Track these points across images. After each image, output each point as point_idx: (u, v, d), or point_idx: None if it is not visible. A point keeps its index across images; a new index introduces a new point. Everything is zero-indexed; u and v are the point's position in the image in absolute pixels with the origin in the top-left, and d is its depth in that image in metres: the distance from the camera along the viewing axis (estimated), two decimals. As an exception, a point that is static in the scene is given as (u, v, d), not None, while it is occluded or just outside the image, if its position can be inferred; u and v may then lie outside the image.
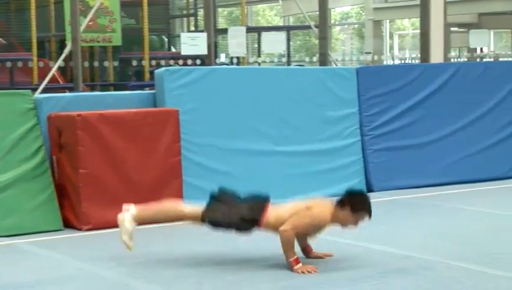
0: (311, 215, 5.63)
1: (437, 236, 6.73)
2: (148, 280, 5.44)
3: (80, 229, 7.27)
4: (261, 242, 6.46)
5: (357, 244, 6.40)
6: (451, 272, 5.50)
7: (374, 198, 8.74)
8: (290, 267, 5.54)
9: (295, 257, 5.55)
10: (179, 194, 7.71)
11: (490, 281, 5.24)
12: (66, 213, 7.42)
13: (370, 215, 5.74)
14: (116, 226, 7.22)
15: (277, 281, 5.30)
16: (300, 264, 5.53)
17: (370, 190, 9.18)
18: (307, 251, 5.86)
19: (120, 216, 5.89)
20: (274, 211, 5.71)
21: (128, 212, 5.87)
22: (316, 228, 5.70)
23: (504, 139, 10.18)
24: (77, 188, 7.32)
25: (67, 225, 7.37)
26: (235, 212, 5.66)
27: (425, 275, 5.40)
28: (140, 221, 5.89)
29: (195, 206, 5.80)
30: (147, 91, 9.72)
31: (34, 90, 9.88)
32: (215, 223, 5.71)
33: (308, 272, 5.47)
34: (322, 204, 5.73)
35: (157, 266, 5.81)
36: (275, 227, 5.64)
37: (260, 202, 5.75)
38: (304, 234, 5.74)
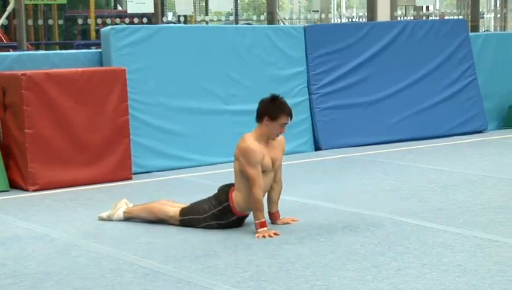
0: (241, 155, 5.43)
1: (384, 193, 6.82)
2: (98, 240, 5.42)
3: (27, 190, 7.19)
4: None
5: (305, 201, 6.46)
6: (398, 227, 5.58)
7: (322, 156, 8.86)
8: (255, 228, 5.45)
9: (262, 220, 5.42)
10: (127, 154, 7.67)
11: (434, 235, 5.35)
12: (12, 174, 7.33)
13: (290, 116, 5.53)
14: (64, 186, 7.24)
15: (226, 240, 5.33)
16: (264, 229, 5.40)
17: (318, 148, 9.27)
18: (274, 217, 5.72)
19: (118, 204, 5.96)
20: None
21: (122, 208, 5.93)
22: (254, 159, 5.40)
23: (450, 97, 10.33)
24: (23, 148, 7.22)
25: (14, 186, 7.29)
26: (207, 205, 5.60)
27: (373, 232, 5.47)
28: (129, 216, 5.90)
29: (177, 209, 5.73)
30: (93, 50, 9.59)
31: (-23, 49, 9.69)
32: (192, 222, 5.61)
33: (270, 236, 5.34)
34: (242, 137, 5.56)
35: (106, 226, 5.79)
36: (248, 205, 5.51)
37: (223, 188, 5.64)
38: (263, 172, 5.47)
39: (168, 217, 5.72)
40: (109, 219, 5.90)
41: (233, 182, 5.63)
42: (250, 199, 5.44)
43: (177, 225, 5.69)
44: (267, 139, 5.55)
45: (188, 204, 5.73)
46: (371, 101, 9.78)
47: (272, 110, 5.50)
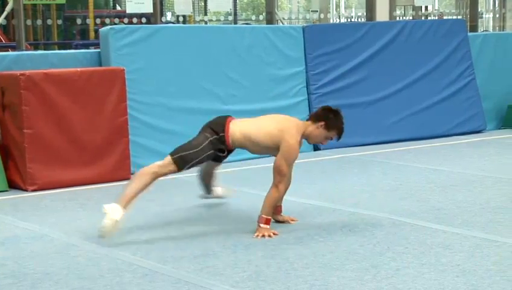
0: (288, 153, 5.42)
1: (383, 193, 6.83)
2: (97, 240, 5.41)
3: (25, 190, 7.19)
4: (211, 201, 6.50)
5: (304, 201, 6.46)
6: (396, 227, 5.59)
7: (321, 156, 8.86)
8: (258, 221, 5.43)
9: (269, 217, 5.42)
10: (125, 154, 7.67)
11: (433, 235, 5.35)
12: (11, 174, 7.33)
13: (340, 136, 5.65)
14: (63, 186, 7.23)
15: (225, 240, 5.33)
16: (267, 226, 5.39)
17: (317, 148, 9.27)
18: (276, 210, 5.68)
19: (110, 215, 5.22)
20: (236, 125, 5.55)
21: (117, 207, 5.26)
22: (293, 159, 5.50)
23: (449, 97, 10.33)
24: (22, 148, 7.22)
25: (13, 186, 7.29)
26: (201, 138, 5.51)
27: (372, 232, 5.48)
28: (128, 206, 5.37)
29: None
30: (92, 50, 9.59)
31: (-24, 49, 9.68)
32: (187, 157, 5.46)
33: (269, 236, 5.34)
34: (290, 129, 5.50)
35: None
36: (242, 143, 5.53)
37: (218, 120, 5.60)
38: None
39: (159, 168, 5.49)
40: (115, 228, 5.23)
41: (227, 116, 5.63)
42: (270, 194, 5.43)
43: (173, 172, 5.52)
44: (303, 139, 5.60)
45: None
46: (370, 101, 9.78)
47: (332, 119, 5.59)
